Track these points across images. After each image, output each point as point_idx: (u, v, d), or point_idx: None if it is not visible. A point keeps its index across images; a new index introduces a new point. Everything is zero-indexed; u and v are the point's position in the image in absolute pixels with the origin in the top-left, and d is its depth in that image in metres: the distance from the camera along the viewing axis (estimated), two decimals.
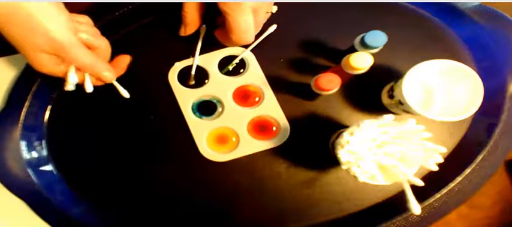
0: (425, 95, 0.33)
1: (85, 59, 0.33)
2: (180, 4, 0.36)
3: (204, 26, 0.40)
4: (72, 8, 0.32)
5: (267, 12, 0.38)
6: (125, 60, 0.39)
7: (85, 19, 0.35)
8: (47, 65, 0.32)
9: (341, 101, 0.40)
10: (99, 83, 0.37)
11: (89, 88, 0.35)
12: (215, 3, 0.33)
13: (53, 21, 0.29)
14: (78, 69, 0.34)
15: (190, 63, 0.41)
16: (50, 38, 0.30)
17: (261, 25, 0.37)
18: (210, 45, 0.41)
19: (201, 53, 0.41)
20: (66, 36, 0.30)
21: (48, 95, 0.41)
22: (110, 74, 0.35)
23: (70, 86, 0.34)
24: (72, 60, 0.32)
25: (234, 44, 0.37)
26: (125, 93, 0.38)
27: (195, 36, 0.40)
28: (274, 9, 0.40)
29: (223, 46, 0.41)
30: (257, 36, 0.39)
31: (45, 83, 0.40)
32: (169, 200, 0.40)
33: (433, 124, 0.33)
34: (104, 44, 0.36)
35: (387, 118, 0.31)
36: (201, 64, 0.41)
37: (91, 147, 0.41)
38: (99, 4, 0.42)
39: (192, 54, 0.41)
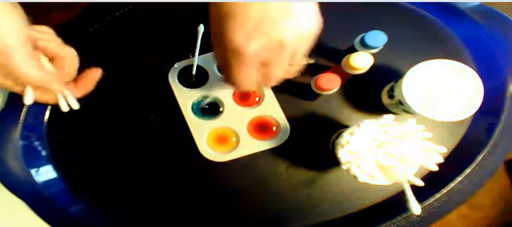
0: (425, 95, 0.33)
1: (35, 77, 0.27)
2: (180, 4, 0.36)
3: (201, 25, 0.40)
4: (74, 8, 0.31)
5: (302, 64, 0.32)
6: (93, 74, 0.33)
7: (46, 29, 0.31)
8: None
9: (341, 101, 0.40)
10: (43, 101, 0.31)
11: (28, 100, 0.29)
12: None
13: (4, 20, 0.25)
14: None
15: (190, 63, 0.41)
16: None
17: (277, 79, 0.29)
18: (210, 46, 0.41)
19: (201, 53, 0.41)
20: (15, 40, 0.25)
21: None
22: (66, 91, 0.31)
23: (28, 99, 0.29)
24: (15, 71, 0.26)
25: (231, 85, 0.30)
26: (73, 105, 0.32)
27: (194, 36, 0.40)
28: (306, 61, 0.34)
29: None
30: None
31: None
32: (169, 200, 0.40)
33: (433, 124, 0.33)
34: (69, 53, 0.31)
35: (387, 118, 0.31)
36: (201, 64, 0.41)
37: (91, 147, 0.41)
38: (98, 4, 0.42)
39: (192, 54, 0.41)
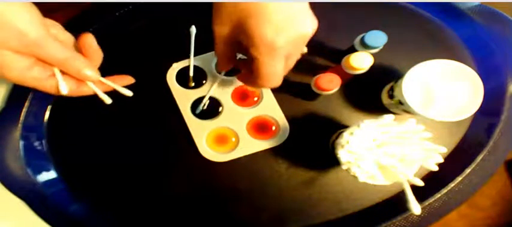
0: (425, 95, 0.33)
1: (60, 52, 0.28)
2: (180, 5, 0.36)
3: (193, 27, 0.40)
4: (74, 7, 0.31)
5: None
6: (126, 79, 0.34)
7: (54, 22, 0.31)
8: (15, 67, 0.27)
9: (341, 101, 0.40)
10: (78, 92, 0.31)
11: (63, 89, 0.29)
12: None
13: (23, 14, 0.26)
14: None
15: (188, 64, 0.41)
16: (21, 34, 0.26)
17: (291, 67, 0.32)
18: (208, 46, 0.41)
19: (200, 53, 0.41)
20: (38, 30, 0.26)
21: (48, 95, 0.41)
22: (92, 73, 0.30)
23: (63, 89, 0.29)
24: (47, 56, 0.27)
25: (257, 87, 0.34)
26: (107, 100, 0.33)
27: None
28: (305, 50, 0.38)
29: None
30: None
31: None
32: (169, 200, 0.40)
33: (433, 124, 0.33)
34: (71, 39, 0.31)
35: (387, 118, 0.31)
36: (199, 65, 0.41)
37: (91, 147, 0.41)
38: (98, 4, 0.42)
39: (188, 55, 0.41)
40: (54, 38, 0.28)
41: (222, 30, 0.29)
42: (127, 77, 0.34)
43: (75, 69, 0.30)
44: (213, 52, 0.41)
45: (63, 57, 0.28)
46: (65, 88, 0.30)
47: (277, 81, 0.30)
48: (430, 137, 0.30)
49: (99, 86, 0.32)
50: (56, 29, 0.30)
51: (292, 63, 0.31)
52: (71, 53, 0.29)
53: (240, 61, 0.35)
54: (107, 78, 0.32)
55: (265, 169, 0.39)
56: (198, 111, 0.40)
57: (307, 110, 0.40)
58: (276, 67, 0.29)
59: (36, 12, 0.27)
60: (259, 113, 0.40)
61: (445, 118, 0.33)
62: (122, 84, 0.33)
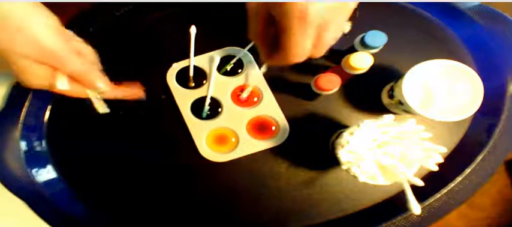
0: (425, 95, 0.33)
1: (77, 65, 0.30)
2: (180, 5, 0.36)
3: (193, 27, 0.40)
4: (71, 9, 0.32)
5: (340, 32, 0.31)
6: (137, 92, 0.36)
7: (74, 35, 0.33)
8: (37, 75, 0.29)
9: (341, 101, 0.40)
10: (79, 94, 0.33)
11: (60, 85, 0.31)
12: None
13: (43, 26, 0.27)
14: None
15: (188, 64, 0.41)
16: (39, 43, 0.27)
17: (326, 47, 0.28)
18: (208, 46, 0.41)
19: (200, 53, 0.41)
20: (57, 42, 0.28)
21: (48, 95, 0.41)
22: (104, 86, 0.32)
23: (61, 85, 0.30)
24: (64, 67, 0.29)
25: (276, 63, 0.30)
26: (101, 109, 0.34)
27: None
28: (348, 28, 0.35)
29: (221, 46, 0.41)
30: None
31: None
32: (169, 201, 0.40)
33: (433, 124, 0.33)
34: (89, 50, 0.33)
35: (387, 118, 0.31)
36: (198, 65, 0.41)
37: (91, 147, 0.41)
38: (98, 4, 0.42)
39: (188, 55, 0.41)
40: (73, 49, 0.30)
41: (253, 5, 0.28)
42: (136, 86, 0.36)
43: (89, 82, 0.31)
44: (213, 52, 0.41)
45: (78, 69, 0.30)
46: (66, 85, 0.31)
47: (302, 56, 0.28)
48: (430, 137, 0.30)
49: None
50: (77, 41, 0.32)
51: (329, 39, 0.28)
52: (86, 66, 0.31)
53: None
54: (116, 86, 0.34)
55: (265, 169, 0.39)
56: (204, 115, 0.40)
57: (307, 110, 0.40)
58: (303, 40, 0.26)
59: (55, 24, 0.29)
60: (259, 113, 0.40)
61: (445, 118, 0.33)
62: (130, 96, 0.36)
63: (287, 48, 0.27)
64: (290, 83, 0.40)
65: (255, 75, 0.40)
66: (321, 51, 0.28)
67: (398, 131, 0.31)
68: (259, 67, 0.40)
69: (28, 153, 0.40)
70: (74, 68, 0.30)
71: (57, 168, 0.41)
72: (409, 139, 0.31)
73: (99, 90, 0.33)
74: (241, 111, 0.40)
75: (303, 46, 0.27)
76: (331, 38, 0.28)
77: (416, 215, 0.36)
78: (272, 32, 0.29)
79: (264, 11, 0.27)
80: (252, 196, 0.39)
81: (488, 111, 0.37)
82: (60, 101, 0.41)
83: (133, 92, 0.36)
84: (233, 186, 0.39)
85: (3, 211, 0.41)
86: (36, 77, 0.29)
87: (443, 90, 0.33)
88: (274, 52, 0.29)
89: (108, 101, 0.35)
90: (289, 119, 0.39)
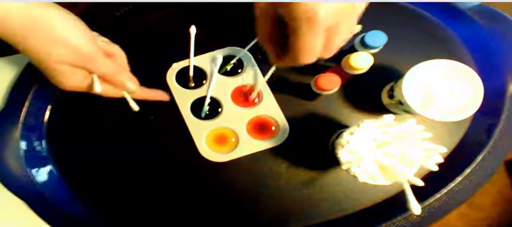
0: (425, 95, 0.33)
1: (109, 67, 0.32)
2: (180, 5, 0.36)
3: (193, 27, 0.40)
4: (71, 9, 0.32)
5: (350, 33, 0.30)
6: (162, 95, 0.39)
7: (98, 34, 0.35)
8: (71, 78, 0.30)
9: (341, 101, 0.40)
10: (113, 94, 0.35)
11: (97, 88, 0.33)
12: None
13: (74, 30, 0.29)
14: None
15: (188, 64, 0.41)
16: (73, 48, 0.28)
17: (336, 49, 0.28)
18: (208, 46, 0.41)
19: (200, 53, 0.41)
20: (89, 45, 0.29)
21: (48, 95, 0.41)
22: (133, 86, 0.34)
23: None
24: (97, 70, 0.31)
25: (286, 64, 0.30)
26: (135, 107, 0.37)
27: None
28: (358, 29, 0.35)
29: (221, 46, 0.41)
30: (255, 36, 0.39)
31: (45, 83, 0.40)
32: (169, 201, 0.40)
33: (433, 124, 0.33)
34: (118, 51, 0.35)
35: (387, 118, 0.31)
36: (198, 65, 0.41)
37: (91, 147, 0.41)
38: (98, 4, 0.42)
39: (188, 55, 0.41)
40: (102, 50, 0.32)
41: (262, 5, 0.28)
42: (160, 93, 0.39)
43: (120, 82, 0.33)
44: (213, 52, 0.41)
45: (110, 71, 0.32)
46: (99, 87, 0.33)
47: (312, 57, 0.27)
48: (430, 137, 0.30)
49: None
50: (103, 41, 0.34)
51: (339, 41, 0.27)
52: (117, 68, 0.33)
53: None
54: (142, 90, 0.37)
55: (265, 169, 0.39)
56: (203, 114, 0.40)
57: (307, 110, 0.40)
58: (312, 42, 0.26)
59: (84, 27, 0.30)
60: (259, 113, 0.40)
61: (445, 118, 0.33)
62: (158, 98, 0.39)
63: (296, 49, 0.27)
64: (290, 83, 0.40)
65: (255, 76, 0.40)
66: (330, 52, 0.28)
67: (398, 131, 0.31)
68: (263, 75, 0.40)
69: (28, 153, 0.40)
70: (106, 70, 0.32)
71: (57, 168, 0.41)
72: (409, 139, 0.31)
73: (130, 90, 0.34)
74: (241, 111, 0.40)
75: (313, 47, 0.26)
76: (341, 39, 0.27)
77: (416, 215, 0.36)
78: (281, 34, 0.28)
79: (272, 11, 0.27)
80: (252, 196, 0.39)
81: (488, 112, 0.37)
82: (60, 101, 0.41)
83: (160, 94, 0.39)
84: (233, 186, 0.39)
85: (3, 211, 0.41)
86: (73, 80, 0.31)
87: (443, 90, 0.33)
88: (283, 53, 0.29)
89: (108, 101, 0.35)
90: (289, 119, 0.39)
